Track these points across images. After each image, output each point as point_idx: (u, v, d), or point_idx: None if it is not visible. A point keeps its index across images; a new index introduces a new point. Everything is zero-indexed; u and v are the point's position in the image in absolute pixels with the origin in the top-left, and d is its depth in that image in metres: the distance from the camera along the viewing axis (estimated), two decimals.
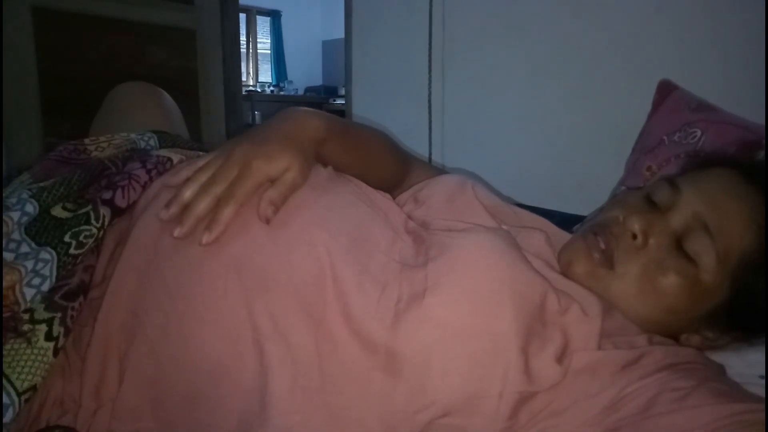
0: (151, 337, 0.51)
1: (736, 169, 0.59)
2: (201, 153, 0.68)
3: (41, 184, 0.56)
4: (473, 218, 0.64)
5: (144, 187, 0.61)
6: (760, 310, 0.55)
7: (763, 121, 0.85)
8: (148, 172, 0.62)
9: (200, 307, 0.51)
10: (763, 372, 0.56)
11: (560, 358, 0.50)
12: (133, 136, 0.72)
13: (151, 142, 0.73)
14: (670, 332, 0.59)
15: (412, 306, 0.50)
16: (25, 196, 0.54)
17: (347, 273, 0.52)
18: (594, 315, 0.53)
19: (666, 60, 1.12)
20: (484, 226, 0.60)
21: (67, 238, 0.53)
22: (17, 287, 0.49)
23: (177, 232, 0.52)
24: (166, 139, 0.75)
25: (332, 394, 0.49)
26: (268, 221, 0.53)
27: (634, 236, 0.57)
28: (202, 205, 0.53)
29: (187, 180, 0.55)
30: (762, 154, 0.78)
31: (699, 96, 0.98)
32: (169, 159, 0.65)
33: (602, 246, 0.58)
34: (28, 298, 0.49)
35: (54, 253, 0.52)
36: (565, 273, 0.60)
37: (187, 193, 0.54)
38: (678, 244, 0.56)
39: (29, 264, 0.50)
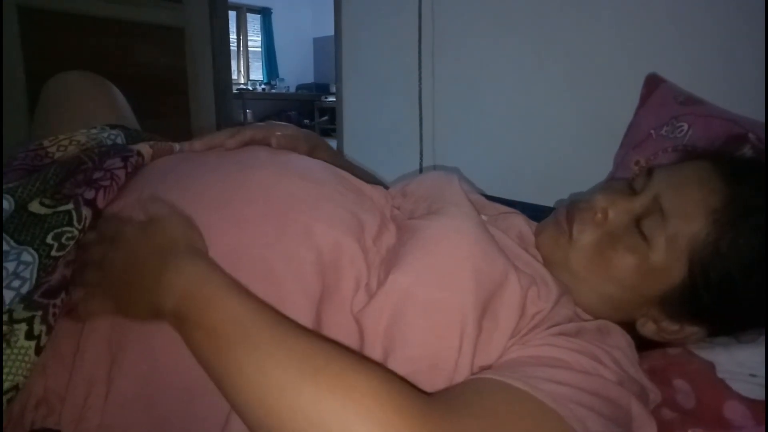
0: (144, 332, 0.51)
1: (713, 161, 0.59)
2: (172, 143, 0.71)
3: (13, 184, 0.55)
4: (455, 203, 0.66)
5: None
6: (718, 303, 0.54)
7: (753, 114, 0.86)
8: (128, 175, 0.62)
9: None
10: (752, 371, 0.55)
11: (511, 336, 0.53)
12: (94, 131, 0.69)
13: (119, 140, 0.70)
14: (625, 312, 0.60)
15: (381, 285, 0.53)
16: None
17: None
18: (548, 301, 0.56)
19: (653, 54, 1.12)
20: (456, 206, 0.63)
21: (49, 240, 0.52)
22: None
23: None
24: (133, 136, 0.73)
25: None
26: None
27: (597, 212, 0.60)
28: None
29: None
30: (747, 148, 0.79)
31: (687, 90, 0.99)
32: (142, 155, 0.66)
33: (567, 217, 0.62)
34: (7, 300, 0.48)
35: (36, 255, 0.51)
36: (536, 242, 0.65)
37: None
38: (637, 223, 0.58)
39: (10, 266, 0.50)
